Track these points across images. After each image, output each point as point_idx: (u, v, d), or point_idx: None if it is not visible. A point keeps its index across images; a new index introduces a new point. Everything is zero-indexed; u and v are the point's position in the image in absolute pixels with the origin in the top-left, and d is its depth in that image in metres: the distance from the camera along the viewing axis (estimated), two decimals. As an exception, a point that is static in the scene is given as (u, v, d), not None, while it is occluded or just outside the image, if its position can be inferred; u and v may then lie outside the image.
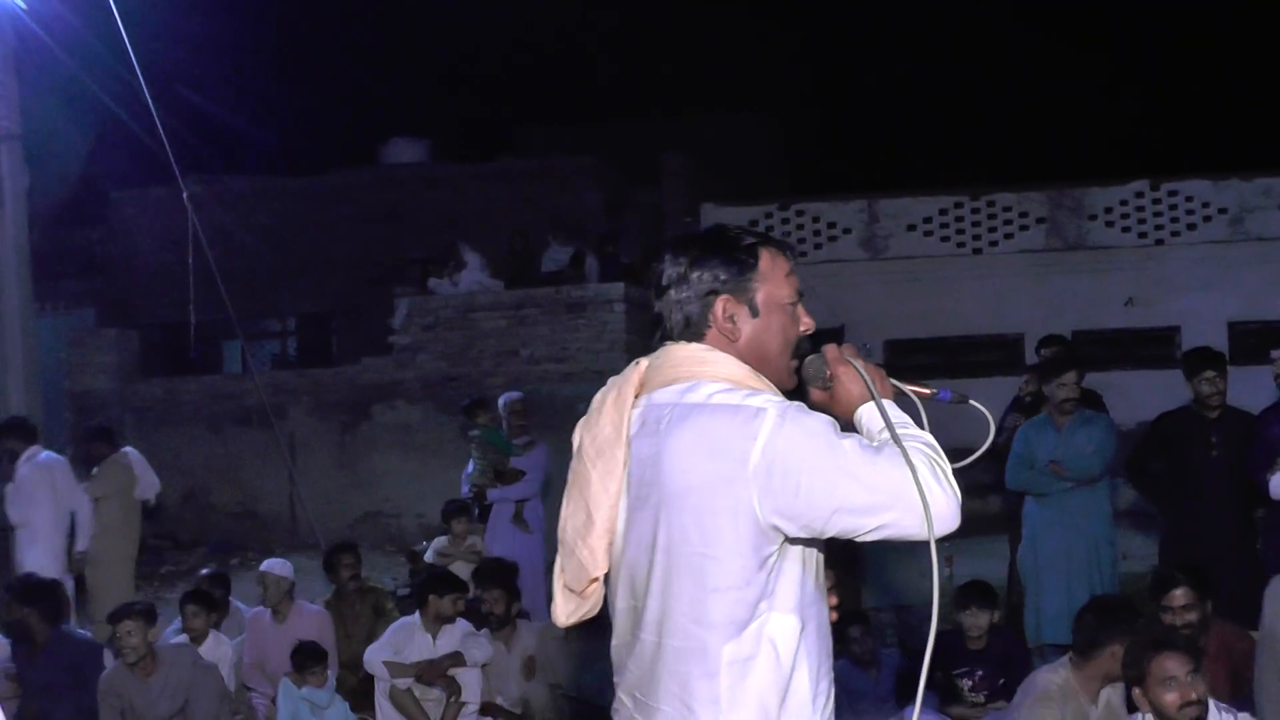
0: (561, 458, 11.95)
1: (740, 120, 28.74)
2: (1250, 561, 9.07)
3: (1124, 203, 21.65)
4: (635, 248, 21.67)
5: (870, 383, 3.41)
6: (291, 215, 23.17)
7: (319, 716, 9.45)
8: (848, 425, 3.41)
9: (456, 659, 9.48)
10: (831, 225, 21.97)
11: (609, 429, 3.48)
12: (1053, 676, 6.71)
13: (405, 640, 9.54)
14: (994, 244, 21.66)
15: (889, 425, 3.29)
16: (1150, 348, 20.98)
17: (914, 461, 3.17)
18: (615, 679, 3.56)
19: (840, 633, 9.12)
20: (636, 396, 3.51)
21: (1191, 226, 21.50)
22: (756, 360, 3.47)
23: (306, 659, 9.56)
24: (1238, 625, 7.53)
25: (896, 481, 3.16)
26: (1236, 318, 20.84)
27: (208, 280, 15.19)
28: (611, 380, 3.59)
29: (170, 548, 18.62)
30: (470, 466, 12.73)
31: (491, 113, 32.57)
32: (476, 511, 12.79)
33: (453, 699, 9.42)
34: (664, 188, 21.72)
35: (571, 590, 3.56)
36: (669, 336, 3.52)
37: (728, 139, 27.04)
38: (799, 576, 3.35)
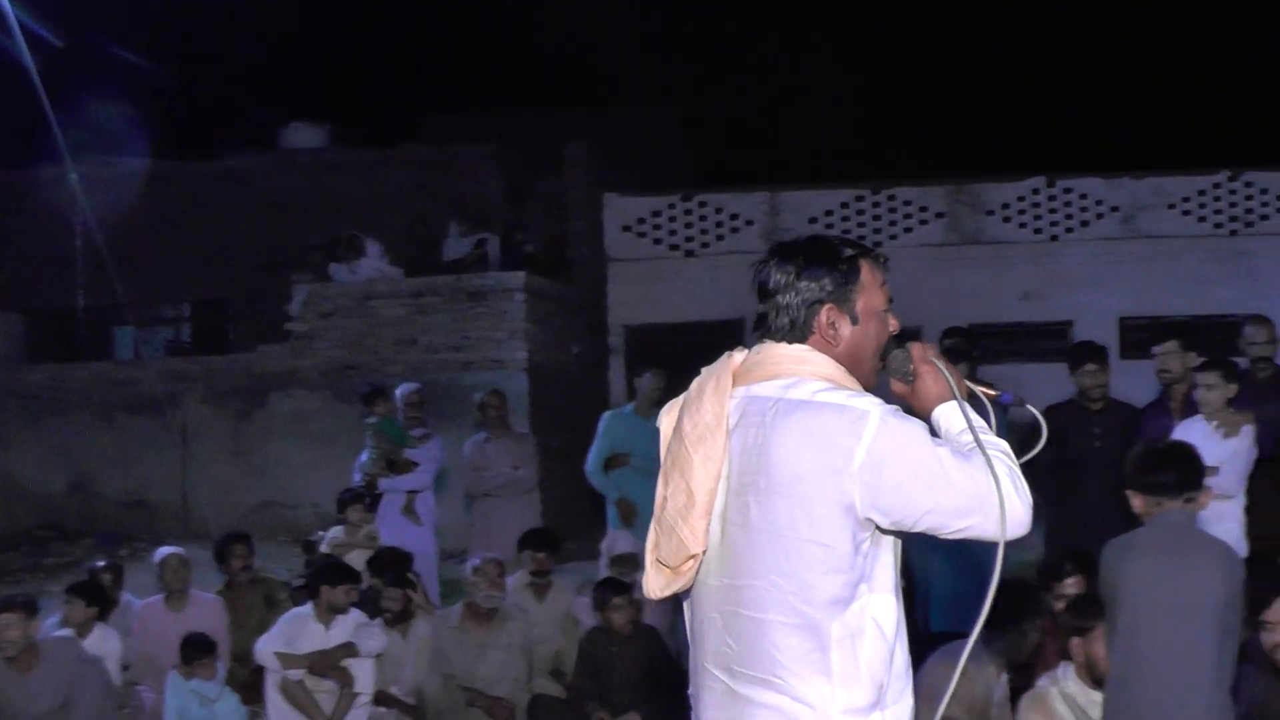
0: (457, 448, 11.90)
1: (643, 111, 28.74)
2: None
3: (1021, 199, 21.93)
4: (538, 237, 21.58)
5: (954, 384, 3.74)
6: (187, 199, 22.76)
7: (208, 709, 9.30)
8: (924, 419, 3.73)
9: (349, 649, 9.36)
10: (734, 217, 21.99)
11: (710, 415, 3.69)
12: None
13: (297, 631, 9.41)
14: (894, 237, 21.77)
15: (972, 430, 3.60)
16: (1044, 341, 21.28)
17: (997, 470, 3.48)
18: (697, 657, 3.80)
19: None
20: (733, 385, 3.75)
21: (1085, 223, 21.85)
22: (851, 363, 3.74)
23: (195, 650, 9.41)
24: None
25: (983, 488, 3.47)
26: (1127, 313, 21.22)
27: (98, 265, 14.94)
28: (706, 370, 3.81)
29: (55, 539, 18.23)
30: (364, 455, 12.62)
31: (395, 99, 32.33)
32: (368, 501, 12.70)
33: (345, 689, 9.31)
34: (567, 178, 21.62)
35: (665, 566, 3.76)
36: (771, 336, 3.77)
37: (630, 130, 27.01)
38: (891, 561, 3.64)
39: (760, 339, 3.80)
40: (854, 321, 3.73)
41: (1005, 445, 3.60)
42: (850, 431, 3.49)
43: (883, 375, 3.85)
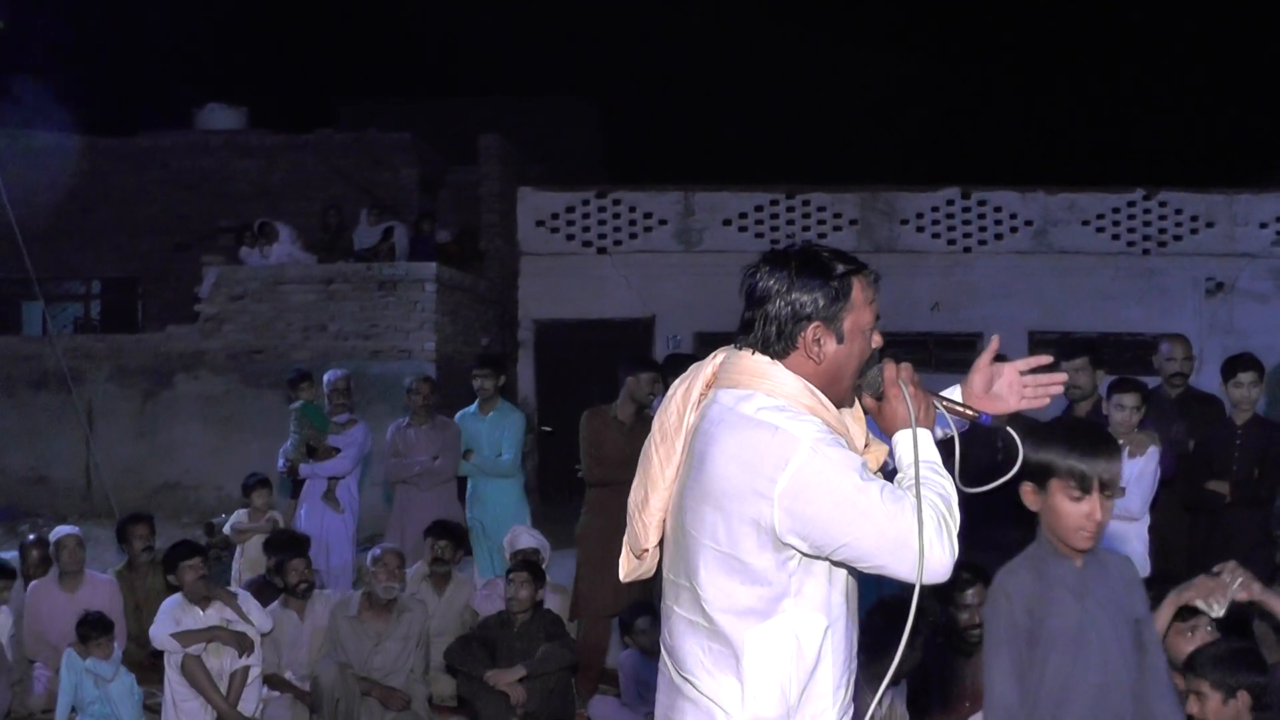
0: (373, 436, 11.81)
1: (558, 104, 28.75)
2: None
3: (935, 209, 22.06)
4: (450, 228, 21.57)
5: (913, 413, 3.66)
6: (100, 175, 22.66)
7: (103, 689, 9.28)
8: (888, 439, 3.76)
9: (225, 633, 9.37)
10: (647, 215, 22.06)
11: (674, 418, 3.82)
12: None
13: (181, 616, 9.42)
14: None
15: (916, 465, 3.55)
16: (953, 352, 21.41)
17: (924, 516, 3.42)
18: (661, 640, 3.89)
19: (628, 625, 9.25)
20: (709, 388, 3.81)
21: (998, 236, 21.98)
22: (829, 379, 3.71)
23: (91, 629, 9.39)
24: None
25: (904, 531, 3.41)
26: (1036, 327, 21.42)
27: (7, 238, 14.81)
28: (691, 368, 3.89)
29: (-46, 513, 18.10)
30: (289, 440, 12.61)
31: (312, 84, 32.17)
32: (291, 485, 12.71)
33: (238, 672, 9.31)
34: (481, 169, 21.62)
35: (631, 552, 3.97)
36: (754, 342, 3.75)
37: (546, 122, 27.04)
38: (825, 579, 3.64)
39: (739, 345, 3.78)
40: (840, 340, 3.69)
41: (946, 488, 3.57)
42: (779, 455, 3.48)
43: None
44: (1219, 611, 5.51)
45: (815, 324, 3.66)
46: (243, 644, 9.28)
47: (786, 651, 3.57)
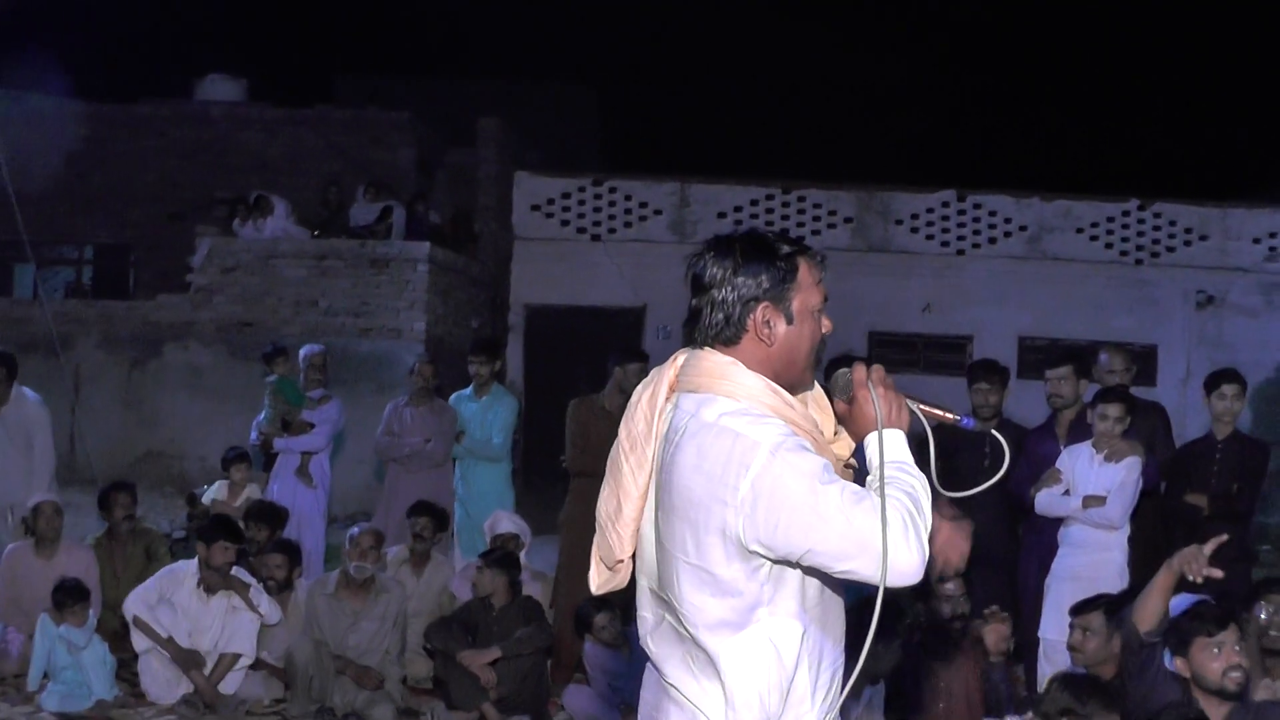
0: (352, 413, 11.88)
1: (558, 91, 28.74)
2: (1009, 573, 9.36)
3: (930, 210, 22.03)
4: (445, 209, 21.56)
5: (880, 415, 3.60)
6: (98, 142, 22.64)
7: (76, 656, 9.29)
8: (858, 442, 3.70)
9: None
10: (643, 205, 22.04)
11: (642, 425, 3.72)
12: None
13: (172, 588, 9.43)
14: (800, 239, 21.83)
15: (881, 467, 3.51)
16: (944, 354, 21.48)
17: (889, 516, 3.34)
18: (642, 640, 3.81)
19: (587, 622, 9.34)
20: (673, 392, 3.72)
21: (992, 240, 21.98)
22: (785, 364, 3.66)
23: (67, 596, 9.40)
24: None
25: (867, 534, 3.33)
26: (1026, 333, 21.46)
27: (1, 200, 14.79)
28: (653, 372, 3.79)
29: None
30: (263, 414, 12.60)
31: (313, 59, 32.14)
32: (264, 459, 12.70)
33: (230, 654, 9.37)
34: (478, 151, 21.62)
35: (604, 563, 3.86)
36: (704, 331, 3.68)
37: (544, 107, 27.03)
38: (799, 586, 3.56)
39: (694, 340, 3.72)
40: (789, 321, 3.63)
41: (914, 486, 3.49)
42: (740, 462, 3.43)
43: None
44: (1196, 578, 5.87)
45: (764, 305, 3.61)
46: (188, 663, 9.32)
47: (764, 661, 3.52)
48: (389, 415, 12.17)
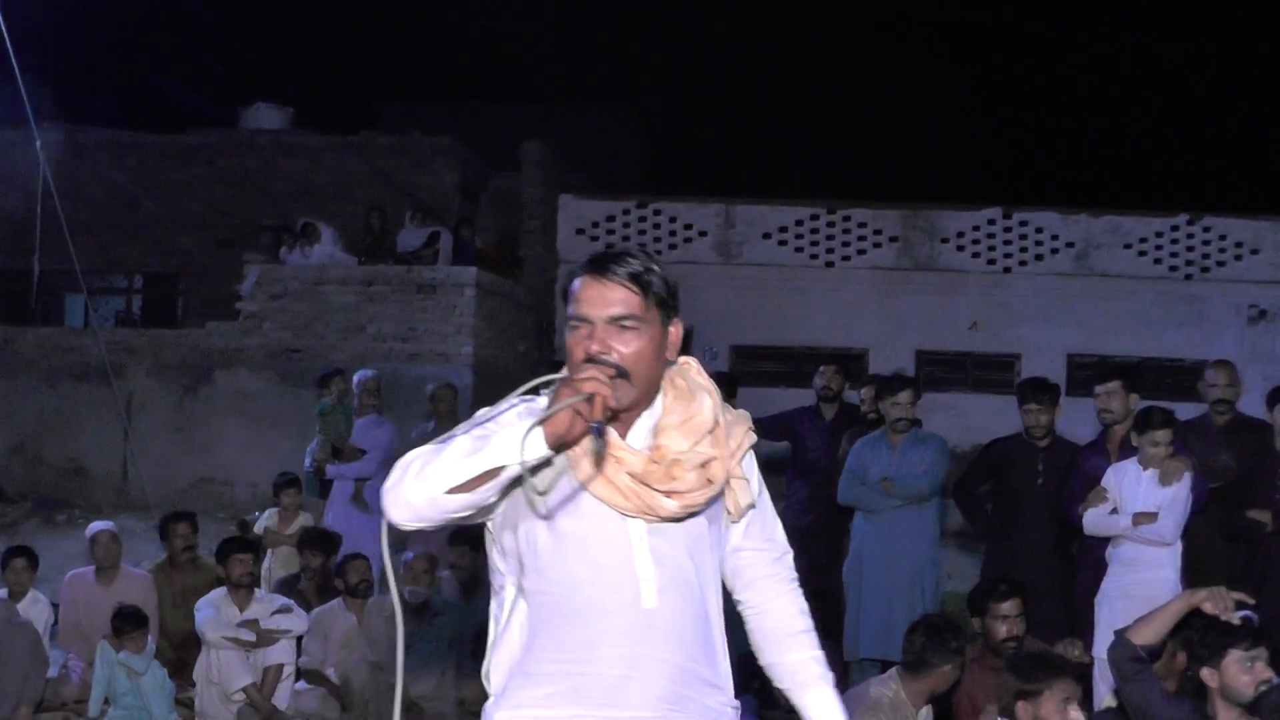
0: (403, 438, 11.88)
1: (601, 113, 28.78)
2: (1064, 593, 9.27)
3: (976, 228, 21.95)
4: (490, 233, 21.64)
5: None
6: (146, 171, 22.83)
7: (135, 682, 9.37)
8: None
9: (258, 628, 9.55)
10: (688, 227, 22.06)
11: None
12: (883, 689, 7.00)
13: (222, 606, 9.59)
14: (846, 258, 21.88)
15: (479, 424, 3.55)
16: (991, 372, 21.39)
17: (408, 457, 3.58)
18: None
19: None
20: None
21: (1039, 257, 21.86)
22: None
23: (126, 623, 9.49)
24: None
25: (403, 463, 3.58)
26: (1075, 350, 21.30)
27: (54, 230, 14.93)
28: None
29: (-7, 500, 18.25)
30: (315, 440, 12.67)
31: (358, 86, 32.35)
32: (318, 486, 12.76)
33: (275, 665, 9.46)
34: (523, 175, 21.70)
35: None
36: None
37: (588, 131, 27.07)
38: (514, 562, 3.65)
39: None
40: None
41: (451, 444, 3.49)
42: None
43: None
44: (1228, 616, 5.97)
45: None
46: (263, 641, 9.47)
47: (501, 621, 3.73)
48: (414, 441, 12.23)
